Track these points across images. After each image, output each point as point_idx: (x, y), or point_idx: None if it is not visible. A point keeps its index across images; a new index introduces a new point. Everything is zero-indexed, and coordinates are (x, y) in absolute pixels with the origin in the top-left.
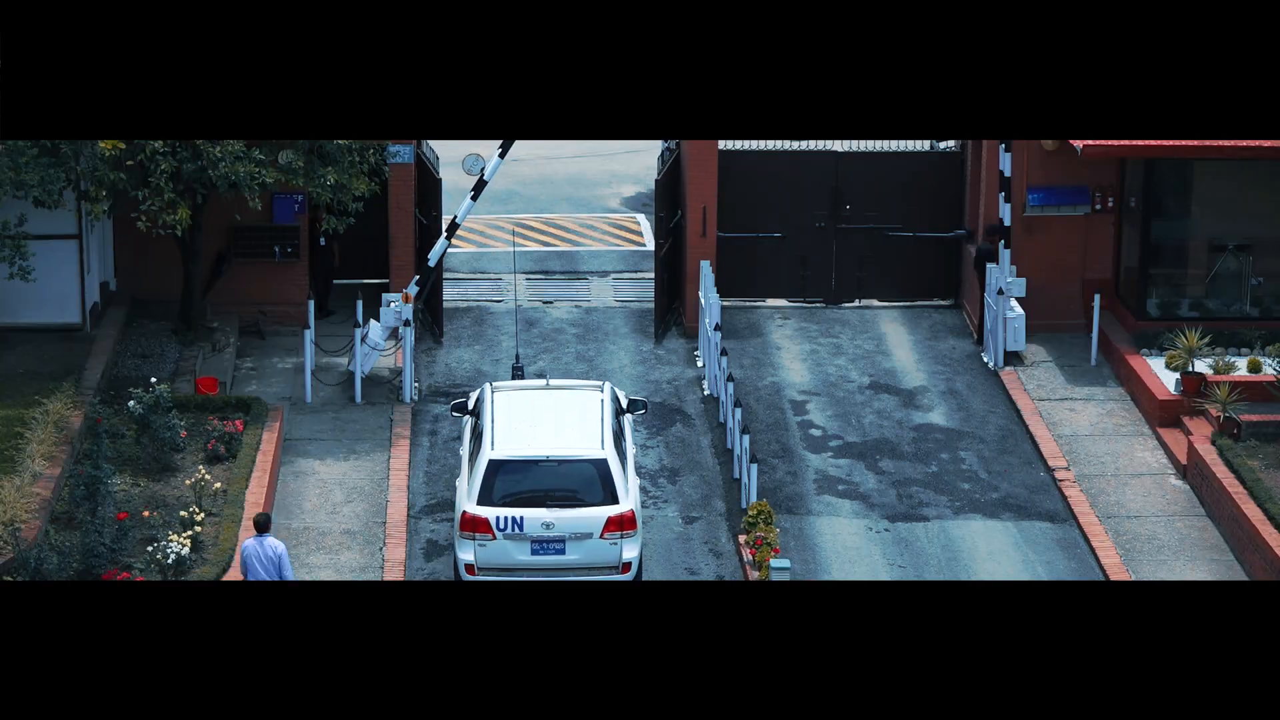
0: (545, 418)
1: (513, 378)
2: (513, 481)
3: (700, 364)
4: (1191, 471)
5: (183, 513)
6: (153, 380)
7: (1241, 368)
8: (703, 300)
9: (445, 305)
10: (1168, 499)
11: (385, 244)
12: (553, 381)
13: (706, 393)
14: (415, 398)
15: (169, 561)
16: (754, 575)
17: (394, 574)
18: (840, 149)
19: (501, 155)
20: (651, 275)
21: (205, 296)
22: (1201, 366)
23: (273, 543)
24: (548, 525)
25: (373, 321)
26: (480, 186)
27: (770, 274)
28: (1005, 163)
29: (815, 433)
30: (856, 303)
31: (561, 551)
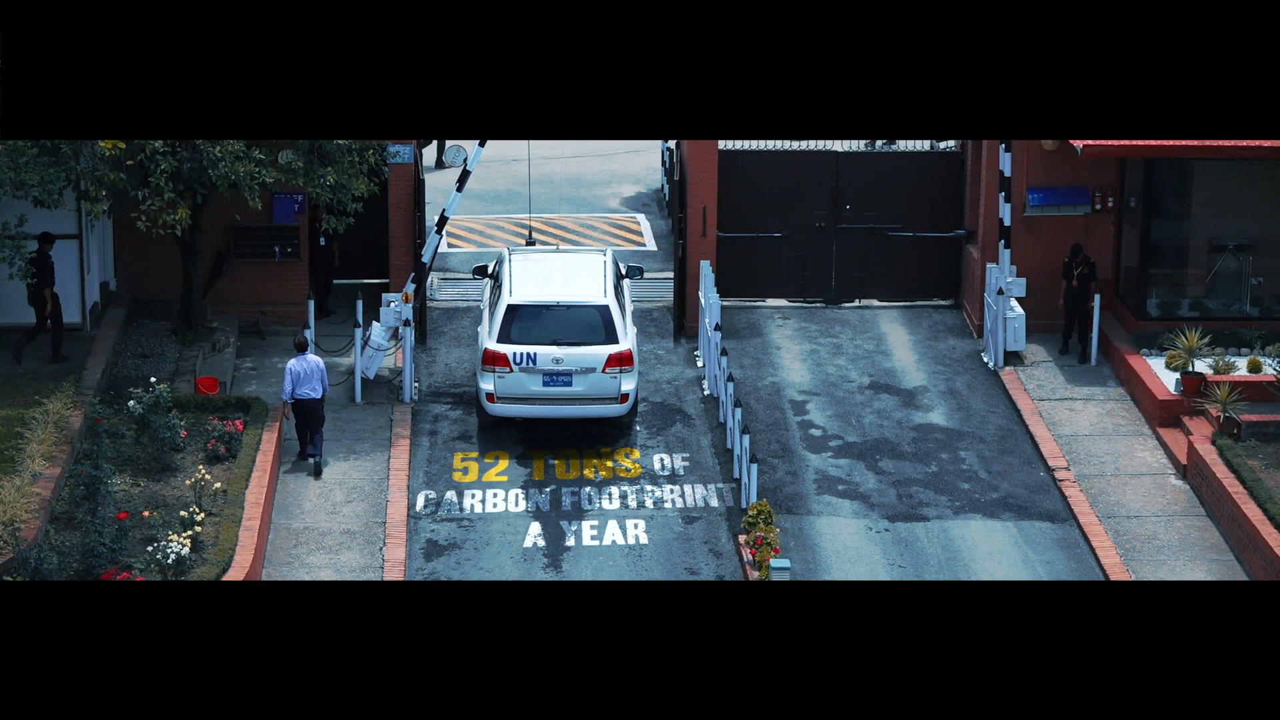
0: (556, 273)
1: (528, 244)
2: (527, 323)
3: (700, 364)
4: (1191, 471)
5: (183, 513)
6: (153, 380)
7: (1241, 368)
8: (703, 300)
9: (446, 305)
10: (1168, 499)
11: (385, 244)
12: (562, 247)
13: (706, 393)
14: (415, 398)
15: (169, 561)
16: (754, 575)
17: (394, 574)
18: (840, 149)
19: (481, 144)
20: (652, 276)
21: (205, 296)
22: (1201, 366)
23: (313, 358)
24: (557, 360)
25: (375, 323)
26: (464, 178)
27: (770, 274)
28: (1005, 163)
29: (815, 433)
30: (856, 303)
31: (569, 384)
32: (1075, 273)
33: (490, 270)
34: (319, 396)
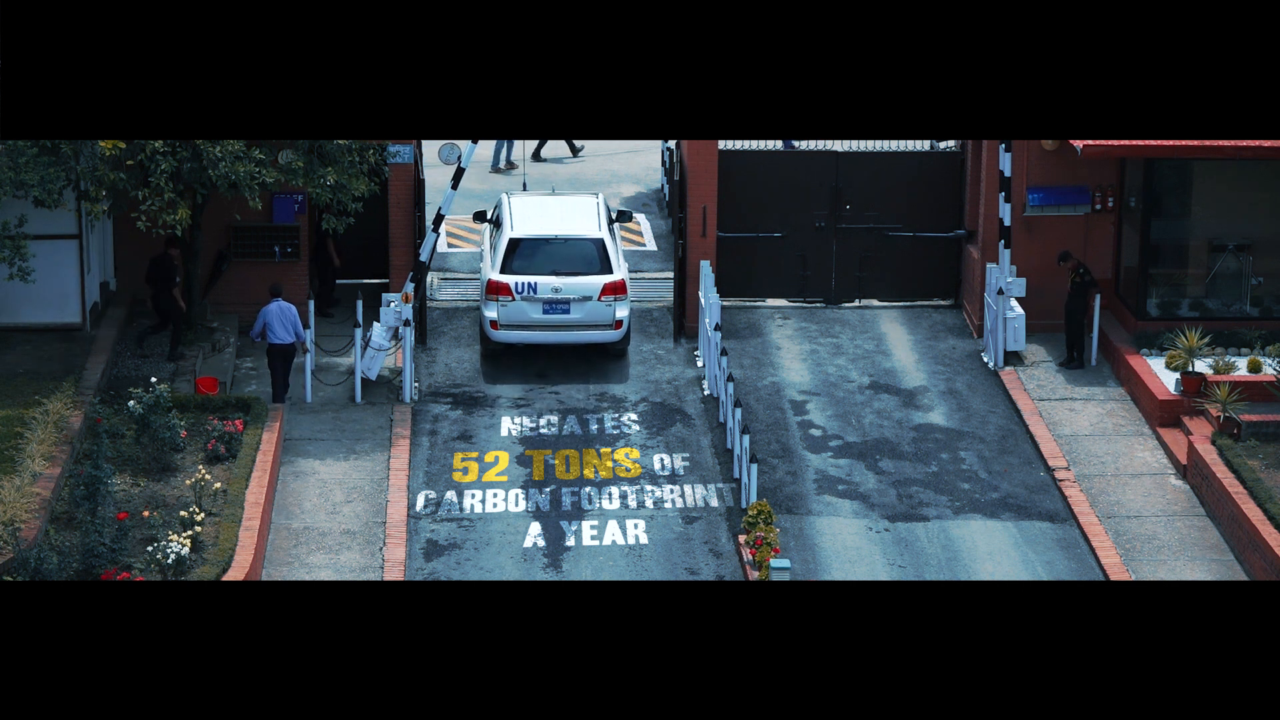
0: (553, 210)
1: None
2: (528, 255)
3: (700, 364)
4: (1191, 471)
5: (183, 513)
6: (153, 380)
7: (1241, 368)
8: (703, 300)
9: (446, 305)
10: (1168, 499)
11: (385, 244)
12: (557, 190)
13: (706, 393)
14: (415, 398)
15: (169, 561)
16: (754, 575)
17: (394, 574)
18: (840, 149)
19: (474, 142)
20: (652, 276)
21: (205, 296)
22: (1201, 366)
23: (285, 303)
24: (556, 290)
25: (375, 324)
26: (459, 175)
27: (770, 274)
28: (1005, 163)
29: (815, 433)
30: (856, 303)
31: (567, 311)
32: (1070, 279)
33: (490, 215)
34: (290, 342)
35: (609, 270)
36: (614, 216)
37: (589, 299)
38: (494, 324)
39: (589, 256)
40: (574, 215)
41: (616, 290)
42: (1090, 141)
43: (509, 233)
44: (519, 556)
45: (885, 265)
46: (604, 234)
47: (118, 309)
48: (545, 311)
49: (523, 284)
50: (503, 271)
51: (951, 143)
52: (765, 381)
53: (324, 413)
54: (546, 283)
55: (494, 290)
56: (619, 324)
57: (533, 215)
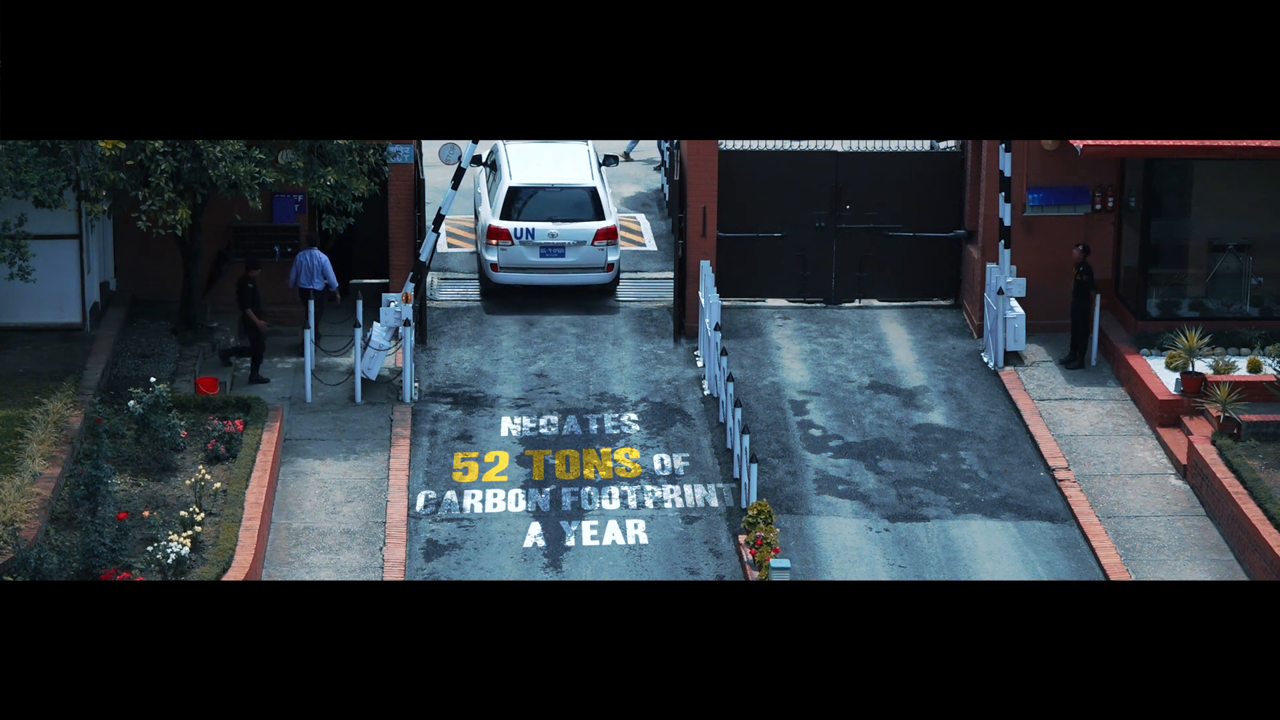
0: (548, 159)
1: None
2: (526, 202)
3: (700, 364)
4: (1191, 471)
5: (183, 513)
6: (153, 380)
7: (1241, 368)
8: (703, 300)
9: (446, 305)
10: (1168, 499)
11: (385, 244)
12: (549, 141)
13: (706, 393)
14: (415, 398)
15: (169, 561)
16: (754, 575)
17: (394, 574)
18: (840, 149)
19: (474, 141)
20: (652, 276)
21: (205, 296)
22: (1201, 366)
23: (318, 253)
24: (553, 235)
25: (375, 324)
26: (459, 175)
27: (770, 274)
28: (1005, 163)
29: (815, 433)
30: (856, 303)
31: (562, 255)
32: (1073, 275)
33: (485, 160)
34: (320, 289)
35: (601, 217)
36: (602, 161)
37: (583, 243)
38: (494, 266)
39: (583, 203)
40: (568, 163)
41: (609, 235)
42: (1090, 141)
43: (507, 181)
44: (519, 556)
45: (885, 265)
46: (597, 182)
47: (118, 309)
48: (542, 255)
49: (521, 229)
50: (502, 217)
51: (951, 143)
52: (765, 381)
53: (324, 413)
54: (543, 228)
55: (494, 235)
56: (610, 267)
57: (529, 163)
